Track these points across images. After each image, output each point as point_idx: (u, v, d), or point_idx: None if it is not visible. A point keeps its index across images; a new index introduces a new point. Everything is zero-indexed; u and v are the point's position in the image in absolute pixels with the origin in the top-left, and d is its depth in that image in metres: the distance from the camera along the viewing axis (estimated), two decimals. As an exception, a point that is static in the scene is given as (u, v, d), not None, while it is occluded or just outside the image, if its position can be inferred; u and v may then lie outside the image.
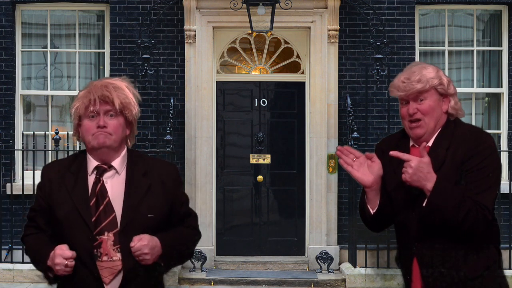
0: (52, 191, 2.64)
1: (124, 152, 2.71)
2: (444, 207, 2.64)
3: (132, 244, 2.52)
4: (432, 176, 2.64)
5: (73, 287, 2.59)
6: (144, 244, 2.52)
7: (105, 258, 2.56)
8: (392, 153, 2.72)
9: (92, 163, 2.66)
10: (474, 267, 2.74)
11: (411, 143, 2.90)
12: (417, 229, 2.78)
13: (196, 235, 2.83)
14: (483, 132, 2.82)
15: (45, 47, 9.26)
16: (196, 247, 9.49)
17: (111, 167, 2.66)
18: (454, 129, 2.81)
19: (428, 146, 2.81)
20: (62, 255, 2.51)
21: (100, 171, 2.64)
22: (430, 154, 2.73)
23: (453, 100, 2.85)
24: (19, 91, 9.12)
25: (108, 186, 2.63)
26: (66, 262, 2.51)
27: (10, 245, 8.33)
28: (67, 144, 8.24)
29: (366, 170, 2.83)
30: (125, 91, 2.68)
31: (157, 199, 2.64)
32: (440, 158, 2.73)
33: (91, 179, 2.64)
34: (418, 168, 2.64)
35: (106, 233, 2.57)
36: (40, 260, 2.60)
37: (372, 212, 2.87)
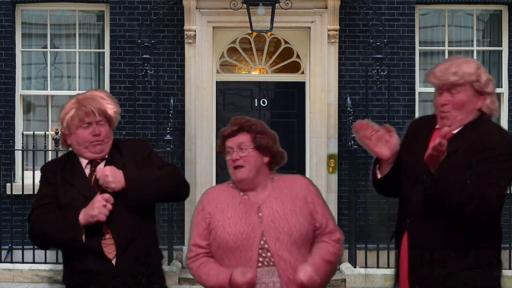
0: (56, 183, 2.95)
1: (110, 144, 3.08)
2: (446, 183, 2.63)
3: (95, 173, 2.93)
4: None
5: (83, 265, 2.90)
6: (105, 170, 2.87)
7: (107, 236, 2.89)
8: (444, 129, 2.67)
9: (84, 159, 3.02)
10: (463, 259, 2.72)
11: (437, 126, 2.91)
12: (417, 205, 2.79)
13: (173, 170, 3.05)
14: (506, 132, 2.83)
15: (45, 47, 9.26)
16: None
17: (103, 159, 3.02)
18: (481, 124, 2.81)
19: (452, 133, 2.82)
20: (102, 197, 2.82)
21: (94, 164, 3.00)
22: (450, 141, 2.72)
23: (489, 99, 2.83)
24: (19, 91, 9.12)
25: None
26: (106, 203, 2.82)
27: (10, 245, 8.33)
28: (67, 144, 8.24)
29: (383, 144, 2.86)
30: (109, 103, 3.02)
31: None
32: (457, 146, 2.73)
33: (86, 171, 3.01)
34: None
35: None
36: (67, 223, 2.83)
37: (379, 176, 2.94)
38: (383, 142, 2.86)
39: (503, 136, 2.78)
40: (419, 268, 2.80)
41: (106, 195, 2.83)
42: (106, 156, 3.03)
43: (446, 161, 2.64)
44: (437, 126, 2.90)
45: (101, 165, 2.98)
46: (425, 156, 2.64)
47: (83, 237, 2.84)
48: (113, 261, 2.89)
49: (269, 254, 2.79)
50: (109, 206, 2.81)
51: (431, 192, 2.69)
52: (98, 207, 2.80)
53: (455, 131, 2.82)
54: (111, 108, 3.01)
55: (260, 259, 2.78)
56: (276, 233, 2.79)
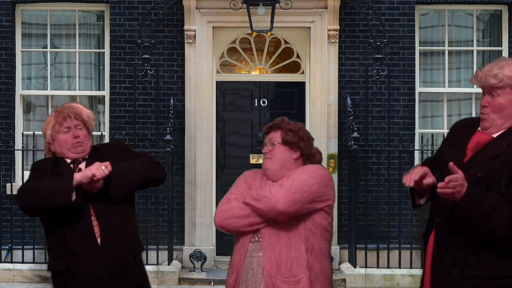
0: (47, 173, 3.28)
1: (90, 146, 3.42)
2: (471, 215, 2.63)
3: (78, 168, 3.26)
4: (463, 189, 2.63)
5: (68, 247, 3.17)
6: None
7: (93, 218, 3.20)
8: (450, 164, 2.65)
9: (68, 159, 3.35)
10: (483, 266, 2.72)
11: (478, 128, 2.91)
12: (449, 204, 2.75)
13: (146, 157, 3.43)
14: None
15: (45, 47, 9.25)
16: (196, 247, 9.32)
17: (84, 159, 3.35)
18: None
19: (492, 136, 2.81)
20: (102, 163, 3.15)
21: (77, 163, 3.34)
22: (489, 145, 2.75)
23: None
24: (19, 91, 9.12)
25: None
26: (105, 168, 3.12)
27: (10, 245, 8.34)
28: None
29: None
30: (84, 109, 3.41)
31: None
32: (497, 150, 2.72)
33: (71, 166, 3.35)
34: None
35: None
36: (62, 185, 3.11)
37: (418, 202, 2.94)
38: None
39: None
40: (440, 267, 2.81)
41: (106, 162, 3.16)
42: (87, 156, 3.37)
43: (483, 168, 2.67)
44: (478, 129, 2.90)
45: (83, 164, 3.32)
46: (439, 192, 2.64)
47: (73, 196, 3.07)
48: (98, 241, 3.18)
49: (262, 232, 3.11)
50: (107, 171, 3.11)
51: (457, 220, 2.71)
52: (98, 166, 3.12)
53: (495, 135, 2.81)
54: (85, 113, 3.38)
55: (253, 235, 3.10)
56: None
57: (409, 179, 2.79)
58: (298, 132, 3.20)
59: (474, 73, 2.89)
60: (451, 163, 2.61)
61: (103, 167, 3.11)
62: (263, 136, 3.41)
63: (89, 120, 3.39)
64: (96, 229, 3.18)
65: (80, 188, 3.11)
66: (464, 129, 2.97)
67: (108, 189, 3.16)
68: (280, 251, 3.00)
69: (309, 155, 3.19)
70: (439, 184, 2.62)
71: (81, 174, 3.12)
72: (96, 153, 3.37)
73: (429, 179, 2.82)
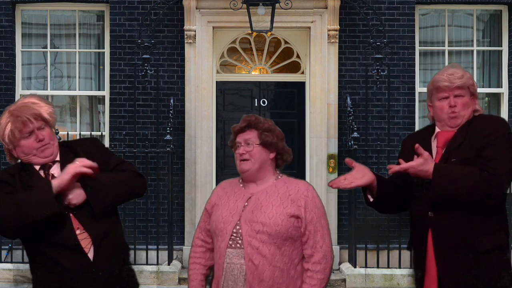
0: (16, 185, 2.93)
1: (57, 145, 3.06)
2: (446, 184, 2.91)
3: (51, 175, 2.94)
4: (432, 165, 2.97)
5: (57, 265, 2.87)
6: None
7: (78, 231, 2.90)
8: (415, 146, 3.02)
9: (37, 165, 3.00)
10: (484, 242, 2.95)
11: (436, 130, 3.22)
12: (431, 197, 3.01)
13: (130, 168, 3.08)
14: (498, 117, 3.21)
15: (45, 47, 9.26)
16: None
17: (54, 162, 3.02)
18: (475, 119, 3.16)
19: (454, 130, 3.16)
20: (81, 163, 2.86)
21: (47, 167, 3.00)
22: (454, 137, 3.10)
23: (477, 101, 3.24)
24: (19, 91, 9.12)
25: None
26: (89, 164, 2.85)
27: (10, 245, 8.34)
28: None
29: (360, 176, 3.14)
30: (42, 105, 3.01)
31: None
32: (458, 140, 3.05)
33: (41, 174, 3.00)
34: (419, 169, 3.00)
35: (70, 213, 2.92)
36: (42, 196, 2.79)
37: (371, 200, 3.22)
38: (358, 175, 3.14)
39: (495, 119, 3.19)
40: (447, 260, 2.99)
41: (79, 158, 2.91)
42: (58, 158, 3.03)
43: (455, 155, 3.02)
44: (437, 130, 3.21)
45: (54, 167, 3.00)
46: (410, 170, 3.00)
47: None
48: (90, 256, 2.90)
49: (242, 238, 3.01)
50: (84, 169, 2.85)
51: (438, 200, 2.98)
52: (76, 164, 2.86)
53: (456, 129, 3.15)
54: (45, 110, 2.99)
55: (231, 241, 3.00)
56: (251, 221, 2.99)
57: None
58: (274, 131, 3.11)
59: (435, 79, 3.20)
60: (416, 145, 2.98)
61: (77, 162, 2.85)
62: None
63: (50, 117, 3.02)
64: (86, 242, 2.89)
65: (57, 196, 2.83)
66: (417, 139, 3.22)
67: (92, 205, 2.90)
68: (264, 267, 2.94)
69: (282, 154, 3.15)
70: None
71: (58, 179, 2.84)
72: (70, 152, 3.04)
73: (359, 167, 3.18)
